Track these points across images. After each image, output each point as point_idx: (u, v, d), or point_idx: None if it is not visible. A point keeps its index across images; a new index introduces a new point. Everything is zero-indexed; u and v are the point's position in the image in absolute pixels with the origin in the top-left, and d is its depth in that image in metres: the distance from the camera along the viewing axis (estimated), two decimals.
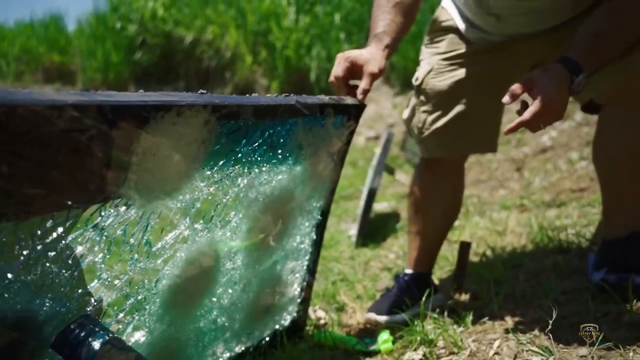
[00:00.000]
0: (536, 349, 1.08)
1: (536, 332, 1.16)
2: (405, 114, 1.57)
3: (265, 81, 6.43)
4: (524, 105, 1.13)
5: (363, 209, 2.45)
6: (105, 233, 0.79)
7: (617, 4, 1.19)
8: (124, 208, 0.81)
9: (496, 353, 1.12)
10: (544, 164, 3.08)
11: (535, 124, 1.11)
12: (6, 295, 0.68)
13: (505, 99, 1.14)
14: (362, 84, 1.24)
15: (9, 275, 0.67)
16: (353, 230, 2.52)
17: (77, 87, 7.51)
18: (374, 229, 2.56)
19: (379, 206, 3.02)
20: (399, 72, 5.52)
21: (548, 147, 3.28)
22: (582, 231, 1.89)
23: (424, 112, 1.49)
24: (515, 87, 1.13)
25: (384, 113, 5.36)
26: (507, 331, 1.21)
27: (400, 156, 4.15)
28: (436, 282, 1.73)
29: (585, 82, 1.15)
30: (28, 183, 0.64)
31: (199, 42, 6.77)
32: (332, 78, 1.25)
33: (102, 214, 0.78)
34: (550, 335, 1.09)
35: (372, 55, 1.24)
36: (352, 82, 1.28)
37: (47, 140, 0.63)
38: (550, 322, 1.13)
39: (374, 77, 1.24)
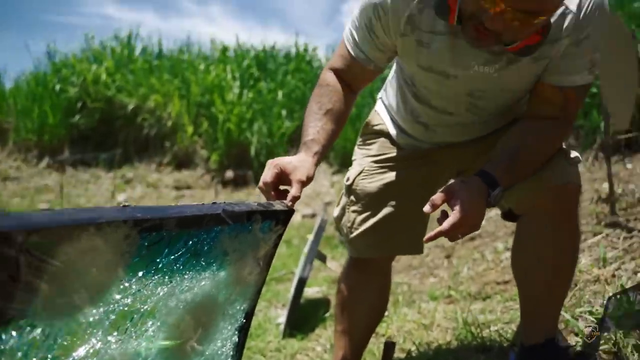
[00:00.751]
0: None
1: None
2: (336, 212, 1.60)
3: (205, 152, 6.44)
4: (444, 215, 1.17)
5: (292, 298, 2.43)
6: (4, 357, 0.74)
7: (529, 125, 1.29)
8: (28, 329, 0.76)
9: None
10: (472, 252, 3.18)
11: (453, 234, 1.16)
12: None
13: (426, 208, 1.18)
14: (292, 191, 1.26)
15: None
16: (282, 318, 2.48)
17: (8, 147, 7.23)
18: (304, 317, 2.53)
19: (310, 291, 2.99)
20: (337, 152, 5.68)
21: (476, 234, 3.40)
22: (505, 328, 1.94)
23: (354, 211, 1.52)
24: (436, 197, 1.18)
25: (322, 191, 5.45)
26: None
27: (335, 236, 4.19)
28: None
29: (502, 195, 1.22)
30: None
31: (140, 109, 6.75)
32: (260, 183, 1.26)
33: (3, 337, 0.73)
34: None
35: (301, 163, 1.27)
36: (282, 187, 1.30)
37: None
38: None
39: (302, 184, 1.26)
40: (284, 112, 6.22)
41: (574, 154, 1.34)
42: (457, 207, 1.14)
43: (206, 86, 6.57)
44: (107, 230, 0.80)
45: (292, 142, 6.21)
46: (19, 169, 6.81)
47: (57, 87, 7.00)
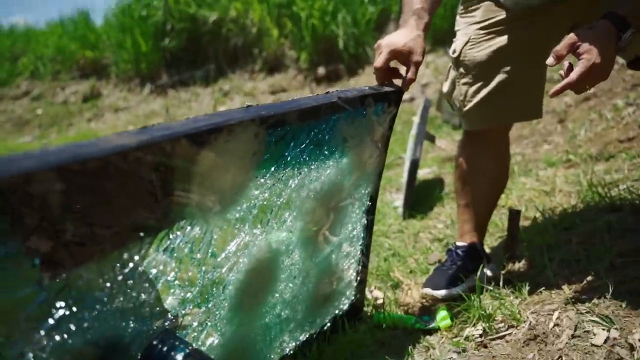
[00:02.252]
0: (597, 319, 1.09)
1: (595, 300, 1.17)
2: (445, 87, 1.56)
3: (293, 53, 6.41)
4: (569, 67, 1.12)
5: (407, 181, 2.46)
6: (175, 254, 0.84)
7: None
8: (189, 228, 0.86)
9: (556, 325, 1.14)
10: (588, 113, 2.99)
11: (581, 85, 1.11)
12: (96, 323, 0.74)
13: (550, 60, 1.14)
14: (409, 73, 1.24)
15: (97, 306, 0.73)
16: (399, 202, 2.53)
17: (111, 81, 7.65)
18: (420, 198, 2.56)
19: (422, 172, 3.00)
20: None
21: (591, 94, 3.18)
22: (635, 186, 1.86)
23: (465, 84, 1.48)
24: (560, 48, 1.13)
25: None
26: (565, 301, 1.22)
27: (438, 117, 4.11)
28: (488, 250, 1.74)
29: (632, 38, 1.13)
30: (104, 223, 0.69)
31: (223, 21, 6.77)
32: (375, 66, 1.25)
33: (171, 237, 0.83)
34: (610, 304, 1.10)
35: (414, 43, 1.24)
36: (393, 65, 1.28)
37: (116, 182, 0.68)
38: (610, 289, 1.13)
39: (419, 65, 1.24)
40: None
41: None
42: (585, 55, 1.09)
43: None
44: (238, 131, 0.84)
45: (380, 28, 6.00)
46: (125, 99, 7.22)
47: (144, 12, 7.19)
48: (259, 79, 6.47)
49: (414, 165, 2.51)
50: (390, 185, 2.99)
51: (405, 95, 5.05)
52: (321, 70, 5.89)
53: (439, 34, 5.27)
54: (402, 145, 3.47)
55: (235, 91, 6.41)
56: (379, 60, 1.24)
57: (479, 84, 1.45)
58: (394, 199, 2.72)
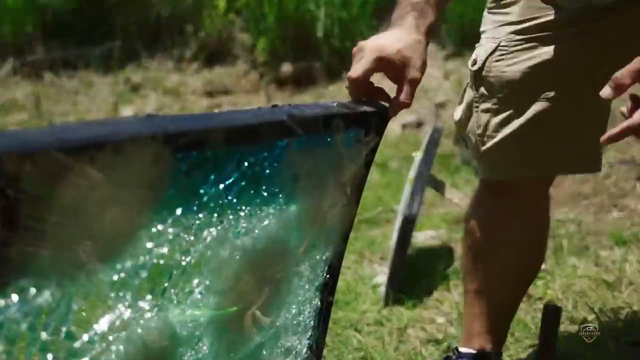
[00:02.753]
0: None
1: None
2: (458, 113, 1.60)
3: (247, 38, 6.45)
4: (636, 101, 1.16)
5: (396, 247, 2.46)
6: (4, 331, 0.82)
7: None
8: (33, 291, 0.83)
9: None
10: None
11: None
12: None
13: (606, 91, 1.17)
14: (402, 94, 1.22)
15: None
16: (381, 278, 2.53)
17: None
18: (414, 275, 2.56)
19: (422, 236, 3.02)
20: (453, 24, 5.53)
21: None
22: None
23: (486, 110, 1.51)
24: (622, 75, 1.16)
25: (430, 86, 5.35)
26: None
27: (455, 155, 4.17)
28: None
29: None
30: None
31: None
32: (350, 76, 1.22)
33: (1, 303, 0.81)
34: None
35: (412, 51, 1.22)
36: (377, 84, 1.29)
37: None
38: None
39: (417, 83, 1.23)
40: None
41: None
42: None
43: None
44: (129, 151, 0.83)
45: (380, 15, 6.09)
46: None
47: None
48: (190, 71, 6.47)
49: (408, 225, 2.51)
50: (372, 252, 2.98)
51: (411, 118, 5.14)
52: (286, 68, 5.93)
53: (468, 31, 5.38)
54: (395, 192, 3.49)
55: (150, 85, 6.36)
56: (357, 68, 1.21)
57: (507, 113, 1.48)
58: (374, 272, 2.71)
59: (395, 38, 1.25)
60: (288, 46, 6.03)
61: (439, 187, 3.11)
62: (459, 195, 3.27)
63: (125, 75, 6.52)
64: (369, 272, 2.74)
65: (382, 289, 2.45)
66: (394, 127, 4.89)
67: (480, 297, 1.63)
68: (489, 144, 1.52)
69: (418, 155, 2.81)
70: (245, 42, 6.44)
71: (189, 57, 6.56)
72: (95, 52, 6.74)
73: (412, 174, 2.72)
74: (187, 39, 6.64)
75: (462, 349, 1.63)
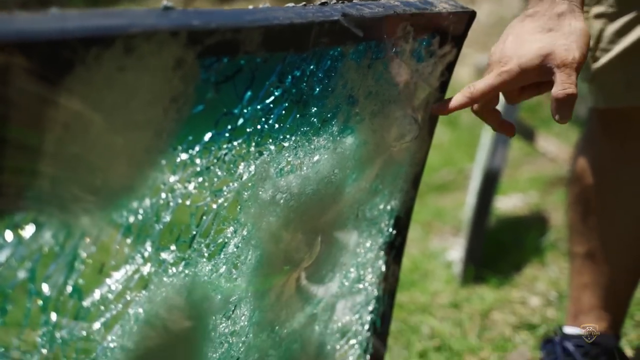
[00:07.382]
0: None
1: None
2: None
3: None
4: None
5: (474, 215, 2.41)
6: None
7: None
8: (30, 230, 0.78)
9: None
10: None
11: None
12: None
13: None
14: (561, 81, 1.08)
15: None
16: (456, 253, 2.51)
17: None
18: (497, 248, 2.53)
19: (504, 203, 2.96)
20: None
21: None
22: None
23: (600, 16, 1.43)
24: None
25: (510, 14, 5.25)
26: None
27: (546, 101, 4.08)
28: (629, 352, 1.68)
29: None
30: None
31: None
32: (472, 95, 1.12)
33: None
34: None
35: (567, 52, 1.08)
36: None
37: None
38: None
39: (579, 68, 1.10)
40: None
41: None
42: None
43: None
44: (145, 50, 0.77)
45: None
46: None
47: None
48: None
49: (490, 184, 2.46)
50: (442, 222, 2.94)
51: (484, 58, 5.00)
52: None
53: None
54: (469, 149, 3.42)
55: None
56: (481, 86, 1.10)
57: (627, 18, 1.40)
58: (447, 246, 2.68)
59: (549, 41, 1.11)
60: None
61: (527, 134, 2.98)
62: (556, 144, 3.14)
63: None
64: (439, 246, 2.72)
65: (458, 266, 2.43)
66: (464, 70, 4.82)
67: (592, 263, 1.56)
68: (603, 60, 1.43)
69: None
70: None
71: None
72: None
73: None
74: None
75: (568, 330, 1.57)
